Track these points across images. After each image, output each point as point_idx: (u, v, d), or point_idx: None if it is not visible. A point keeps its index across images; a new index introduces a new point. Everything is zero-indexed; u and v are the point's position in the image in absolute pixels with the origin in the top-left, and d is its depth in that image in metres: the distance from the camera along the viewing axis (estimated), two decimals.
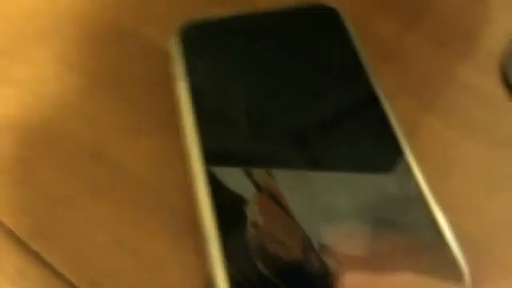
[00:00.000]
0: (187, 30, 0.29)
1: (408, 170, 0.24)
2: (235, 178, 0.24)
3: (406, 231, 0.23)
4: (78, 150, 0.27)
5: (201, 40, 0.29)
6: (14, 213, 0.25)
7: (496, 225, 0.25)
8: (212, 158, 0.25)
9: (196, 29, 0.29)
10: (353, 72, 0.28)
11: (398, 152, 0.25)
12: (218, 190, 0.24)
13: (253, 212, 0.23)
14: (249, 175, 0.24)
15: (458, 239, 0.23)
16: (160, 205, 0.25)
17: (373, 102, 0.27)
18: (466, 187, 0.26)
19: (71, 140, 0.27)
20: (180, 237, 0.24)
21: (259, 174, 0.24)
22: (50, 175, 0.26)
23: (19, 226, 0.25)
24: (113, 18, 0.31)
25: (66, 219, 0.25)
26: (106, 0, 0.32)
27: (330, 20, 0.30)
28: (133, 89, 0.29)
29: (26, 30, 0.31)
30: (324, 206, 0.23)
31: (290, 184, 0.24)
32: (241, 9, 0.30)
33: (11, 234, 0.24)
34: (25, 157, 0.26)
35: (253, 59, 0.28)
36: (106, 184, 0.26)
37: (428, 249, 0.22)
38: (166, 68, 0.29)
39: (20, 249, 0.24)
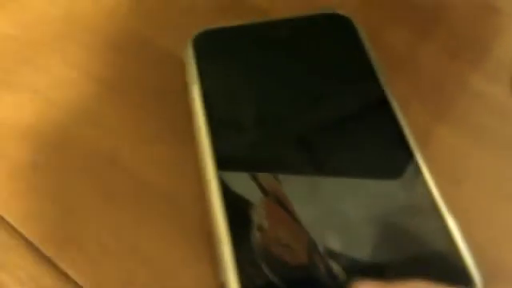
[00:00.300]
0: (202, 38, 0.29)
1: (419, 177, 0.24)
2: (243, 183, 0.24)
3: (416, 238, 0.23)
4: (92, 157, 0.27)
5: (215, 48, 0.29)
6: (26, 219, 0.25)
7: (507, 232, 0.25)
8: (224, 163, 0.25)
9: (210, 37, 0.29)
10: (366, 80, 0.28)
11: (409, 159, 0.25)
12: (228, 195, 0.24)
13: (259, 216, 0.23)
14: (256, 180, 0.24)
15: (470, 247, 0.23)
16: (173, 212, 0.25)
17: (385, 109, 0.27)
18: (477, 195, 0.26)
19: (85, 146, 0.27)
20: (193, 245, 0.24)
21: (267, 178, 0.24)
22: (64, 181, 0.26)
23: (31, 232, 0.25)
24: (128, 25, 0.32)
25: (79, 226, 0.25)
26: (121, 8, 0.32)
27: (344, 29, 0.30)
28: (147, 96, 0.29)
29: (41, 37, 0.31)
30: (332, 211, 0.23)
31: (300, 189, 0.24)
32: (254, 18, 0.30)
33: (23, 240, 0.25)
34: (38, 163, 0.27)
35: (266, 67, 0.28)
36: (119, 191, 0.26)
37: (439, 256, 0.22)
38: (180, 76, 0.29)
39: (32, 255, 0.24)
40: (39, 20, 0.32)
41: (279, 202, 0.24)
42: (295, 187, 0.24)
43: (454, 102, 0.29)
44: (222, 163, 0.25)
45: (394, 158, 0.25)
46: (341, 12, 0.30)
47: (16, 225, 0.25)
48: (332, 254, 0.22)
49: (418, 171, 0.25)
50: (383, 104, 0.27)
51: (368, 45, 0.29)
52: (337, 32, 0.30)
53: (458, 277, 0.22)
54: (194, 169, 0.26)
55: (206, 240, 0.24)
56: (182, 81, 0.29)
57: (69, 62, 0.30)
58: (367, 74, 0.28)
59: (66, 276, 0.24)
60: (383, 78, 0.28)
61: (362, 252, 0.22)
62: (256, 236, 0.23)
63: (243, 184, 0.24)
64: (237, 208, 0.23)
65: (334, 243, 0.22)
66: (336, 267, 0.22)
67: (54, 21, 0.32)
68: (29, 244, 0.24)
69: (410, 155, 0.25)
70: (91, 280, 0.24)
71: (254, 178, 0.24)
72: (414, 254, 0.22)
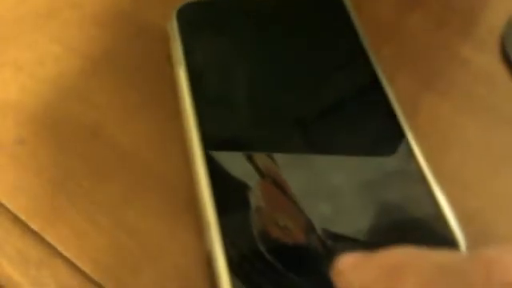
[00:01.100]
0: (186, 11, 0.29)
1: (408, 149, 0.24)
2: (236, 163, 0.24)
3: (405, 208, 0.23)
4: (79, 132, 0.27)
5: (199, 21, 0.29)
6: (13, 194, 0.25)
7: (495, 200, 0.25)
8: (211, 141, 0.24)
9: (195, 10, 0.29)
10: (353, 54, 0.28)
11: (398, 132, 0.25)
12: (216, 173, 0.24)
13: (256, 197, 0.23)
14: (250, 160, 0.24)
15: (455, 213, 0.23)
16: (160, 185, 0.25)
17: (373, 82, 0.27)
18: (466, 163, 0.26)
19: (71, 122, 0.27)
20: (180, 217, 0.24)
21: (261, 158, 0.24)
22: (50, 156, 0.26)
23: (19, 207, 0.25)
24: (110, 0, 0.31)
25: (66, 200, 0.25)
26: None
27: (330, 1, 0.29)
28: (133, 71, 0.29)
29: (23, 14, 0.31)
30: (325, 188, 0.23)
31: (291, 168, 0.24)
32: None
33: (10, 214, 0.24)
34: (25, 139, 0.26)
35: (252, 41, 0.28)
36: (106, 165, 0.26)
37: (426, 222, 0.22)
38: (165, 50, 0.29)
39: (19, 229, 0.24)
40: None
41: (270, 183, 0.23)
42: (287, 167, 0.24)
43: (442, 71, 0.29)
44: (209, 141, 0.24)
45: (383, 131, 0.25)
46: None
47: (2, 199, 0.25)
48: (327, 232, 0.22)
49: (406, 142, 0.25)
50: (371, 77, 0.27)
51: (355, 17, 0.29)
52: (323, 4, 0.29)
53: (443, 240, 0.22)
54: (180, 142, 0.26)
55: (193, 212, 0.24)
56: (167, 54, 0.29)
57: (52, 38, 0.30)
58: (354, 47, 0.28)
59: (53, 249, 0.24)
60: (370, 51, 0.28)
61: (355, 227, 0.22)
62: (254, 218, 0.22)
63: (231, 164, 0.24)
64: (223, 184, 0.23)
65: (328, 221, 0.22)
66: (332, 245, 0.22)
67: None
68: (15, 218, 0.24)
69: (398, 127, 0.25)
70: (79, 253, 0.24)
71: (244, 158, 0.24)
72: (402, 222, 0.22)
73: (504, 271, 0.14)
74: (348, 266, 0.18)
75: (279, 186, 0.23)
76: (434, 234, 0.22)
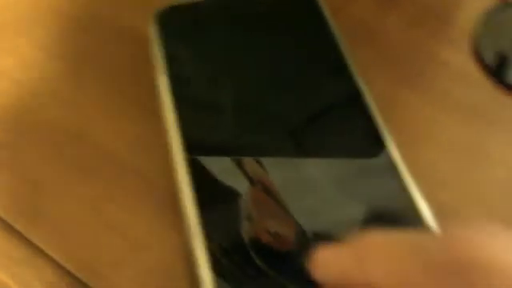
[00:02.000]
0: (165, 14, 0.29)
1: (384, 147, 0.25)
2: (214, 166, 0.24)
3: (384, 204, 0.23)
4: (61, 134, 0.27)
5: (179, 24, 0.29)
6: None
7: (468, 194, 0.26)
8: (192, 145, 0.25)
9: (174, 13, 0.29)
10: (329, 55, 0.28)
11: (376, 132, 0.25)
12: (197, 176, 0.24)
13: (229, 198, 0.23)
14: (226, 163, 0.24)
15: (429, 207, 0.23)
16: (142, 184, 0.26)
17: (349, 83, 0.27)
18: (441, 159, 0.27)
19: (54, 124, 0.27)
20: (162, 213, 0.25)
21: (236, 161, 0.25)
22: (33, 158, 0.26)
23: (2, 208, 0.25)
24: (92, 5, 0.32)
25: (49, 200, 0.25)
26: None
27: (307, 3, 0.30)
28: (114, 74, 0.29)
29: (4, 19, 0.31)
30: (303, 189, 0.24)
31: (275, 171, 0.24)
32: None
33: None
34: (7, 141, 0.27)
35: (231, 45, 0.29)
36: (88, 166, 0.26)
37: (399, 214, 0.23)
38: (145, 54, 0.29)
39: (3, 230, 0.25)
40: (4, 4, 0.32)
41: (250, 184, 0.24)
42: (265, 169, 0.24)
43: (418, 70, 0.30)
44: (190, 146, 0.25)
45: (362, 132, 0.26)
46: None
47: None
48: (317, 236, 0.23)
49: (384, 142, 0.25)
50: (347, 76, 0.27)
51: (331, 19, 0.30)
52: (300, 7, 0.30)
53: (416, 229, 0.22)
54: (160, 143, 0.26)
55: (175, 211, 0.25)
56: (147, 58, 0.29)
57: (34, 44, 0.30)
58: (330, 48, 0.28)
59: (38, 249, 0.24)
60: (347, 52, 0.28)
61: (337, 226, 0.23)
62: (245, 225, 0.23)
63: (212, 167, 0.24)
64: (204, 189, 0.24)
65: (315, 225, 0.23)
66: (310, 243, 0.22)
67: (17, 4, 0.32)
68: (0, 220, 0.25)
69: (375, 127, 0.26)
70: (62, 251, 0.24)
71: (224, 161, 0.24)
72: (381, 217, 0.23)
73: (467, 247, 0.15)
74: (323, 256, 0.19)
75: (267, 190, 0.24)
76: (410, 227, 0.23)
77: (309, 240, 0.22)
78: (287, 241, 0.22)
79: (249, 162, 0.24)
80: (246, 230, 0.23)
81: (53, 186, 0.26)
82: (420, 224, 0.23)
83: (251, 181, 0.24)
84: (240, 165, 0.24)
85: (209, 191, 0.24)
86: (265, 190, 0.24)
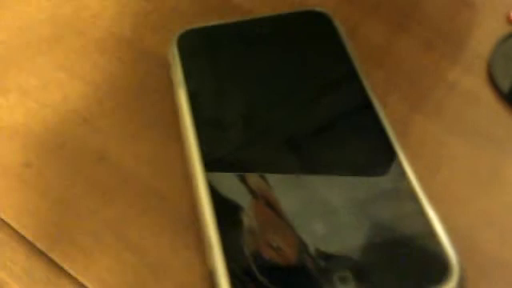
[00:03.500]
0: (186, 37, 0.30)
1: (400, 169, 0.25)
2: (231, 184, 0.25)
3: (398, 226, 0.24)
4: (82, 155, 0.28)
5: (199, 47, 0.30)
6: (20, 214, 0.26)
7: (481, 218, 0.26)
8: (211, 164, 0.25)
9: (194, 36, 0.30)
10: (345, 76, 0.29)
11: (390, 152, 0.26)
12: (216, 194, 0.24)
13: (248, 218, 0.24)
14: (244, 181, 0.25)
15: (447, 232, 0.24)
16: (162, 204, 0.26)
17: (365, 104, 0.28)
18: (455, 182, 0.27)
19: (76, 145, 0.28)
20: (183, 234, 0.25)
21: (255, 179, 0.25)
22: (56, 178, 0.27)
23: (25, 227, 0.25)
24: (113, 27, 0.33)
25: (71, 220, 0.26)
26: (107, 10, 0.33)
27: (323, 26, 0.31)
28: (134, 95, 0.30)
29: (27, 40, 0.32)
30: (318, 208, 0.24)
31: (284, 188, 0.25)
32: (237, 17, 0.31)
33: (16, 236, 0.25)
34: (30, 161, 0.27)
35: (249, 65, 0.29)
36: (109, 187, 0.27)
37: (419, 241, 0.23)
38: (166, 75, 0.30)
39: (26, 250, 0.25)
40: (26, 25, 0.33)
41: (267, 203, 0.24)
42: (283, 187, 0.25)
43: (430, 93, 0.30)
44: (209, 163, 0.25)
45: (375, 152, 0.26)
46: (320, 9, 0.31)
47: (9, 221, 0.26)
48: (321, 253, 0.23)
49: (399, 163, 0.25)
50: (363, 99, 0.28)
51: (347, 40, 0.30)
52: (317, 28, 0.31)
53: (437, 260, 0.23)
54: (180, 164, 0.27)
55: (195, 231, 0.25)
56: (167, 80, 0.30)
57: (56, 64, 0.31)
58: (346, 69, 0.29)
59: (60, 269, 0.25)
60: (362, 73, 0.29)
61: (349, 247, 0.23)
62: (248, 239, 0.23)
63: (231, 185, 0.25)
64: (224, 208, 0.24)
65: (322, 241, 0.23)
66: (325, 265, 0.23)
67: (40, 25, 0.33)
68: (22, 238, 0.25)
69: (390, 148, 0.26)
70: (85, 272, 0.24)
71: (242, 179, 0.25)
72: (395, 240, 0.23)
73: None
74: None
75: (272, 206, 0.24)
76: (427, 251, 0.23)
77: (312, 256, 0.23)
78: (290, 256, 0.23)
79: (262, 179, 0.25)
80: (256, 251, 0.23)
81: (75, 206, 0.26)
82: (438, 248, 0.23)
83: (262, 199, 0.24)
84: (252, 182, 0.25)
85: (227, 209, 0.24)
86: (268, 204, 0.24)
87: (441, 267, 0.22)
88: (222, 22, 0.31)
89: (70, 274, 0.24)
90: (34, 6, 0.33)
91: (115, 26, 0.33)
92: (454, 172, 0.27)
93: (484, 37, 0.32)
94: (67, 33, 0.32)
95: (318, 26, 0.31)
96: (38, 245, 0.25)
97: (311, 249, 0.23)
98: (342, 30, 0.31)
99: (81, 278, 0.24)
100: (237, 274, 0.22)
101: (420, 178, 0.26)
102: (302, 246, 0.23)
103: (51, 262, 0.25)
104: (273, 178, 0.25)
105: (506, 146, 0.28)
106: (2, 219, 0.26)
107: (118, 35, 0.32)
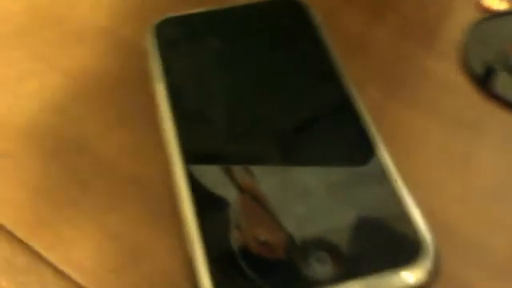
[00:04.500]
0: (162, 26, 0.30)
1: (376, 155, 0.26)
2: (216, 177, 0.25)
3: (375, 210, 0.24)
4: (62, 144, 0.28)
5: (176, 35, 0.30)
6: None
7: (456, 199, 0.26)
8: (191, 155, 0.26)
9: (171, 24, 0.30)
10: (322, 64, 0.29)
11: (366, 138, 0.26)
12: (196, 186, 0.25)
13: (228, 205, 0.24)
14: (223, 170, 0.25)
15: (422, 213, 0.24)
16: (142, 193, 0.26)
17: (341, 92, 0.28)
18: (430, 166, 0.27)
19: (54, 135, 0.28)
20: (163, 223, 0.25)
21: (233, 168, 0.25)
22: (35, 168, 0.27)
23: (5, 217, 0.26)
24: (89, 17, 0.33)
25: (51, 208, 0.26)
26: (82, 0, 0.33)
27: (300, 14, 0.31)
28: (113, 85, 0.30)
29: (3, 32, 0.32)
30: (295, 194, 0.24)
31: (263, 176, 0.25)
32: (214, 5, 0.32)
33: None
34: (9, 151, 0.27)
35: (226, 54, 0.29)
36: (88, 175, 0.27)
37: (394, 222, 0.24)
38: (143, 64, 0.30)
39: (6, 238, 0.25)
40: (2, 16, 0.33)
41: (245, 190, 0.24)
42: (261, 175, 0.25)
43: (406, 80, 0.31)
44: (189, 154, 0.26)
45: (351, 138, 0.26)
46: None
47: None
48: (299, 236, 0.23)
49: (375, 149, 0.26)
50: (339, 86, 0.28)
51: (323, 28, 0.31)
52: (293, 17, 0.31)
53: (412, 240, 0.23)
54: (159, 152, 0.27)
55: (174, 215, 0.25)
56: (145, 69, 0.30)
57: (33, 55, 0.31)
58: (322, 57, 0.29)
59: (40, 257, 0.25)
60: (338, 61, 0.29)
61: (328, 230, 0.23)
62: (234, 234, 0.23)
63: (210, 174, 0.25)
64: (203, 196, 0.24)
65: (307, 231, 0.23)
66: (311, 257, 0.23)
67: (16, 16, 0.33)
68: (1, 228, 0.25)
69: (366, 134, 0.26)
70: (65, 260, 0.24)
71: (221, 168, 0.25)
72: (374, 223, 0.24)
73: None
74: None
75: (250, 193, 0.24)
76: (402, 232, 0.23)
77: (299, 248, 0.23)
78: (277, 249, 0.23)
79: (241, 170, 0.25)
80: (235, 239, 0.23)
81: (54, 195, 0.26)
82: (413, 229, 0.23)
83: (241, 189, 0.25)
84: (232, 173, 0.25)
85: (206, 200, 0.24)
86: (254, 198, 0.24)
87: (415, 247, 0.23)
88: (199, 10, 0.31)
89: (50, 263, 0.24)
90: None
91: (92, 15, 0.33)
92: (430, 156, 0.28)
93: (457, 24, 0.33)
94: (44, 24, 0.32)
95: (294, 14, 0.31)
96: (18, 233, 0.25)
97: (288, 232, 0.23)
98: (318, 19, 0.31)
99: (61, 266, 0.24)
100: (216, 260, 0.23)
101: (396, 163, 0.26)
102: (280, 231, 0.23)
103: (31, 251, 0.25)
104: (250, 167, 0.25)
105: (479, 129, 0.29)
106: None
107: (95, 25, 0.32)
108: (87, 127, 0.28)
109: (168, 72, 0.28)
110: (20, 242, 0.25)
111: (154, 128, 0.28)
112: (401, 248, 0.23)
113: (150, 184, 0.27)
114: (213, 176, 0.25)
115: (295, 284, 0.22)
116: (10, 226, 0.25)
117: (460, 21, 0.33)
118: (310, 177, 0.25)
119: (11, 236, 0.25)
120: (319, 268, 0.22)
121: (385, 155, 0.26)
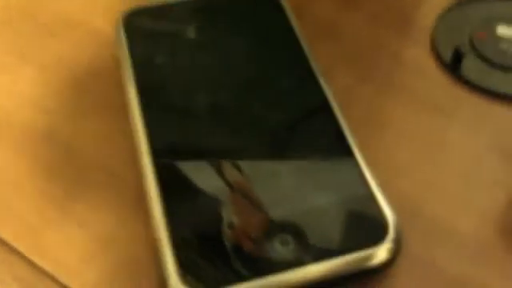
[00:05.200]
0: (131, 17, 0.30)
1: (343, 139, 0.26)
2: (182, 165, 0.25)
3: (339, 193, 0.24)
4: (31, 135, 0.28)
5: (145, 26, 0.30)
6: None
7: (424, 181, 0.27)
8: (160, 150, 0.25)
9: (140, 15, 0.30)
10: (292, 52, 0.29)
11: (333, 123, 0.26)
12: (163, 174, 0.25)
13: (201, 198, 0.24)
14: (195, 161, 0.25)
15: (387, 195, 0.24)
16: (110, 181, 0.26)
17: (310, 79, 0.28)
18: (399, 149, 0.28)
19: (24, 126, 0.28)
20: (131, 210, 0.26)
21: (206, 160, 0.25)
22: (3, 158, 0.27)
23: None
24: (61, 9, 0.33)
25: (18, 198, 0.26)
26: None
27: (269, 3, 0.31)
28: (83, 76, 0.30)
29: None
30: (260, 177, 0.25)
31: (230, 163, 0.25)
32: None
33: None
34: None
35: (196, 45, 0.29)
36: (55, 164, 0.27)
37: (358, 205, 0.24)
38: (113, 55, 0.30)
39: None
40: None
41: (215, 181, 0.25)
42: (227, 162, 0.25)
43: (377, 65, 0.31)
44: (158, 150, 0.25)
45: (318, 123, 0.26)
46: None
47: None
48: (263, 219, 0.23)
49: (341, 134, 0.26)
50: (308, 73, 0.28)
51: (292, 16, 0.31)
52: (263, 6, 0.31)
53: (374, 221, 0.23)
54: (128, 142, 0.27)
55: (142, 202, 0.25)
56: (115, 60, 0.30)
57: (4, 47, 0.31)
58: (294, 45, 0.29)
59: (9, 247, 0.25)
60: (308, 49, 0.29)
61: (292, 213, 0.24)
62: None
63: (177, 164, 0.25)
64: (170, 186, 0.24)
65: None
66: (267, 230, 0.23)
67: None
68: None
69: (333, 119, 0.26)
70: (33, 249, 0.25)
71: (188, 158, 0.25)
72: (335, 205, 0.24)
73: None
74: None
75: (217, 177, 0.25)
76: (365, 214, 0.24)
77: (264, 231, 0.23)
78: (241, 232, 0.23)
79: (207, 157, 0.25)
80: (200, 223, 0.23)
81: (21, 184, 0.26)
82: (376, 212, 0.24)
83: (207, 175, 0.25)
84: (198, 160, 0.25)
85: (172, 186, 0.24)
86: (220, 183, 0.24)
87: (378, 228, 0.23)
88: (168, 1, 0.31)
89: (19, 252, 0.25)
90: None
91: (64, 7, 0.33)
92: (399, 140, 0.28)
93: (428, 10, 0.33)
94: (16, 16, 0.32)
95: (264, 3, 0.31)
96: None
97: (253, 216, 0.23)
98: (289, 7, 0.31)
99: (29, 254, 0.24)
100: (181, 245, 0.23)
101: (365, 147, 0.27)
102: (245, 215, 0.23)
103: (0, 241, 0.25)
104: (216, 155, 0.25)
105: (448, 113, 0.29)
106: None
107: (65, 16, 0.32)
108: (57, 117, 0.28)
109: (136, 62, 0.28)
110: None
111: (125, 118, 0.28)
112: (364, 229, 0.23)
113: (118, 171, 0.27)
114: (179, 163, 0.25)
115: (260, 267, 0.22)
116: None
117: (433, 7, 0.33)
118: (275, 163, 0.25)
119: None
120: (284, 251, 0.23)
121: (351, 138, 0.26)
